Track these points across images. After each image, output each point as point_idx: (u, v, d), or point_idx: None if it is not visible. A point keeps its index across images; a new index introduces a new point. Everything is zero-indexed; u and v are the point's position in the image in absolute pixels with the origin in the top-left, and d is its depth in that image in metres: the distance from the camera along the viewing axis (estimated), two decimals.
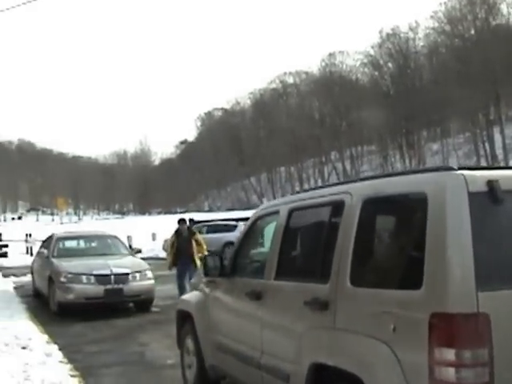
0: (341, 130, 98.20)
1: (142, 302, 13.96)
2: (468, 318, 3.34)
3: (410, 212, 4.06)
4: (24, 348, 9.52)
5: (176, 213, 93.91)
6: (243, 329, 5.74)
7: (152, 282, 13.93)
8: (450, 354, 3.34)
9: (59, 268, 13.83)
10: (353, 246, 4.18)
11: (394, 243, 4.26)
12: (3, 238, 38.17)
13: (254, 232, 6.31)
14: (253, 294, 5.42)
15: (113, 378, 8.12)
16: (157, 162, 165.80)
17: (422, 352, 3.42)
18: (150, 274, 14.01)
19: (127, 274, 13.58)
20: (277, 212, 5.54)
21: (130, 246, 21.60)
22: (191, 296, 7.28)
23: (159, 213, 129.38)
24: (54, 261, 14.48)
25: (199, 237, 14.62)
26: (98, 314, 12.95)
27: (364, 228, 4.19)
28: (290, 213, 5.25)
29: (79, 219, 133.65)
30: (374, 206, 4.22)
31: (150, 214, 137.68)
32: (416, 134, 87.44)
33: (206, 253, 12.63)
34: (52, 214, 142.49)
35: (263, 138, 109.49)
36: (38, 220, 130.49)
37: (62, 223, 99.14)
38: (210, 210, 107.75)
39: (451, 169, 3.72)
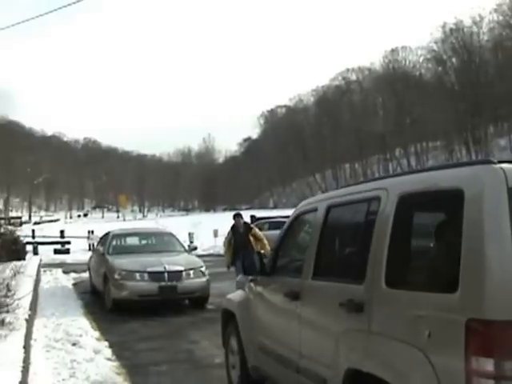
0: (405, 125, 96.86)
1: (197, 300, 13.90)
2: (508, 326, 3.04)
3: (446, 209, 3.80)
4: (74, 344, 9.57)
5: (241, 209, 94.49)
6: (282, 330, 5.55)
7: (206, 279, 13.84)
8: (488, 365, 3.04)
9: (114, 265, 13.92)
10: (388, 244, 3.94)
11: (430, 242, 4.02)
12: (66, 234, 38.89)
13: (293, 230, 6.10)
14: (291, 293, 5.23)
15: (158, 376, 8.02)
16: (221, 160, 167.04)
17: (458, 361, 3.14)
18: (204, 271, 13.94)
19: (181, 271, 13.54)
20: (315, 209, 5.33)
21: (191, 243, 21.50)
22: (235, 295, 7.13)
23: (224, 209, 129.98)
24: (109, 258, 14.59)
25: (257, 232, 13.98)
26: (152, 312, 12.96)
27: (400, 225, 3.94)
28: (328, 210, 5.04)
29: (144, 216, 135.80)
30: (411, 202, 3.96)
31: (214, 210, 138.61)
32: (482, 130, 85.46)
33: (268, 248, 12.23)
34: (117, 211, 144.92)
35: (327, 135, 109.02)
36: (103, 217, 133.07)
37: (124, 220, 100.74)
38: (275, 207, 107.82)
39: (490, 162, 3.42)
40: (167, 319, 12.36)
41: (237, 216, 14.04)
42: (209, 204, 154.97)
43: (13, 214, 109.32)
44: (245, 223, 14.07)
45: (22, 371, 6.31)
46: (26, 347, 7.77)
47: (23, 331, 8.28)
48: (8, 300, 9.43)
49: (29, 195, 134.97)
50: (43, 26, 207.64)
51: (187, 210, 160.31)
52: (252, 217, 32.53)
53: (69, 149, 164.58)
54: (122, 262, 13.93)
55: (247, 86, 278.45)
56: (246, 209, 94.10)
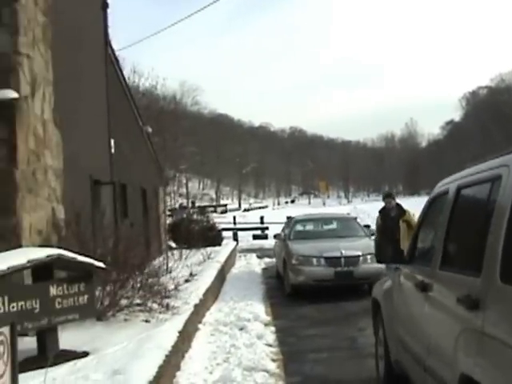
0: None
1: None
2: None
3: None
4: (241, 329, 9.72)
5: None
6: (415, 324, 5.11)
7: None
8: None
9: (292, 250, 14.04)
10: (504, 232, 3.39)
11: None
12: (266, 220, 39.87)
13: (429, 214, 5.60)
14: (420, 284, 4.83)
15: (313, 365, 7.87)
16: (423, 144, 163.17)
17: None
18: None
19: (358, 256, 13.32)
20: (446, 191, 4.86)
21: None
22: (382, 283, 6.80)
23: (427, 193, 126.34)
24: (289, 243, 14.74)
25: (412, 218, 11.25)
26: (329, 296, 12.85)
27: None
28: (457, 192, 4.53)
29: (348, 202, 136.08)
30: None
31: (419, 194, 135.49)
32: None
33: None
34: (328, 197, 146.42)
35: None
36: (309, 203, 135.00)
37: (324, 205, 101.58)
38: None
39: None
40: (341, 304, 12.18)
41: (387, 196, 12.20)
42: (413, 188, 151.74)
43: (223, 201, 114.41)
44: (397, 205, 12.02)
45: (168, 356, 6.48)
46: (185, 332, 8.00)
47: (185, 316, 8.55)
48: (172, 285, 9.79)
49: (238, 184, 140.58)
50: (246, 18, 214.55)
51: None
52: None
53: (275, 138, 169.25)
54: (300, 248, 14.02)
55: (446, 68, 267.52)
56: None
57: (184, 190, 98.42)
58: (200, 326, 9.72)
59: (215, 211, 64.66)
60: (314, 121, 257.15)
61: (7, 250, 6.87)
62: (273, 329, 9.89)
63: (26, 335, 6.75)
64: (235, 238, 32.95)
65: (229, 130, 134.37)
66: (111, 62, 16.08)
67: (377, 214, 12.31)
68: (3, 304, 5.86)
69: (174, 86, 79.30)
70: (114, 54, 16.62)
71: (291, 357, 8.17)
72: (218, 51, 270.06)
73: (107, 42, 15.40)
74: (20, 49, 7.74)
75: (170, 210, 41.36)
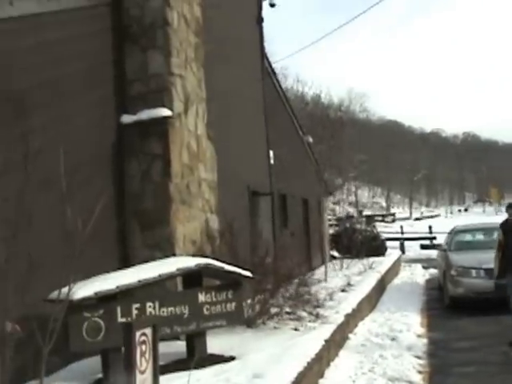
0: None
1: None
2: None
3: None
4: (393, 339, 9.74)
5: None
6: None
7: None
8: None
9: (451, 261, 13.75)
10: None
11: None
12: (435, 230, 38.95)
13: None
14: None
15: (459, 378, 7.73)
16: None
17: None
18: None
19: None
20: None
21: None
22: None
23: None
24: (449, 254, 14.44)
25: None
26: (488, 310, 12.37)
27: None
28: None
29: None
30: None
31: None
32: None
33: None
34: (499, 205, 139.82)
35: None
36: (484, 211, 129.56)
37: (496, 214, 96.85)
38: None
39: None
40: (501, 318, 11.59)
41: (510, 207, 10.30)
42: None
43: (394, 210, 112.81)
44: None
45: (310, 363, 6.64)
46: (332, 341, 8.13)
47: (334, 325, 8.70)
48: (324, 295, 9.94)
49: (409, 191, 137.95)
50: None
51: None
52: None
53: (447, 144, 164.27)
54: (459, 258, 13.70)
55: None
56: None
57: (353, 199, 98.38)
58: (351, 335, 9.81)
59: (383, 220, 64.01)
60: (488, 125, 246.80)
61: (162, 258, 7.38)
62: (425, 341, 9.77)
63: (178, 339, 7.17)
64: (402, 248, 32.47)
65: (399, 137, 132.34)
66: (268, 74, 16.58)
67: None
68: (154, 308, 6.32)
69: (341, 93, 79.73)
70: (271, 66, 17.13)
71: (438, 369, 8.09)
72: (386, 56, 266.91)
73: (263, 55, 15.91)
74: (173, 69, 8.30)
75: (336, 220, 41.60)
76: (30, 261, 4.71)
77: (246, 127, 13.72)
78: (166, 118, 8.12)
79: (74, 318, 5.61)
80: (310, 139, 22.20)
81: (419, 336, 10.10)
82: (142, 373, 4.15)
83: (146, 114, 8.16)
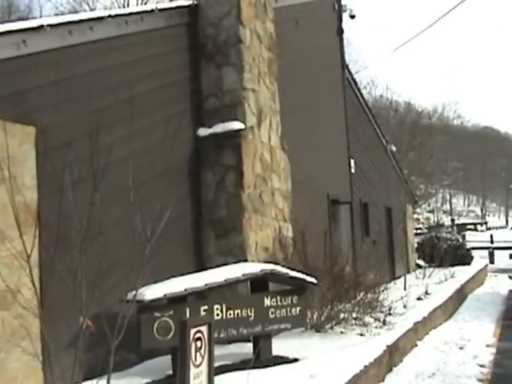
0: None
1: None
2: None
3: None
4: (461, 348, 9.84)
5: None
6: None
7: None
8: None
9: None
10: None
11: None
12: None
13: None
14: None
15: None
16: None
17: None
18: None
19: None
20: None
21: None
22: None
23: None
24: None
25: None
26: None
27: None
28: None
29: None
30: None
31: None
32: None
33: None
34: None
35: None
36: None
37: None
38: None
39: None
40: None
41: None
42: None
43: (489, 219, 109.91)
44: None
45: (367, 366, 6.96)
46: (395, 346, 8.40)
47: (400, 332, 8.97)
48: (395, 304, 10.19)
49: (505, 200, 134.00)
50: None
51: None
52: None
53: None
54: None
55: None
56: None
57: (448, 207, 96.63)
58: (419, 342, 9.99)
59: (475, 229, 62.67)
60: None
61: (234, 263, 7.85)
62: (493, 350, 9.82)
63: (249, 341, 7.59)
64: (491, 258, 31.88)
65: (494, 143, 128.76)
66: (349, 83, 16.88)
67: None
68: (221, 311, 6.79)
69: (433, 99, 78.56)
70: (352, 76, 17.40)
71: (499, 378, 8.17)
72: (478, 61, 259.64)
73: (344, 66, 16.24)
74: (245, 84, 8.80)
75: (427, 228, 41.18)
76: (108, 264, 5.28)
77: (326, 137, 14.07)
78: (239, 130, 8.60)
79: (145, 318, 6.13)
80: (394, 148, 22.28)
81: (488, 345, 10.14)
82: (197, 366, 4.59)
83: (220, 128, 8.67)
